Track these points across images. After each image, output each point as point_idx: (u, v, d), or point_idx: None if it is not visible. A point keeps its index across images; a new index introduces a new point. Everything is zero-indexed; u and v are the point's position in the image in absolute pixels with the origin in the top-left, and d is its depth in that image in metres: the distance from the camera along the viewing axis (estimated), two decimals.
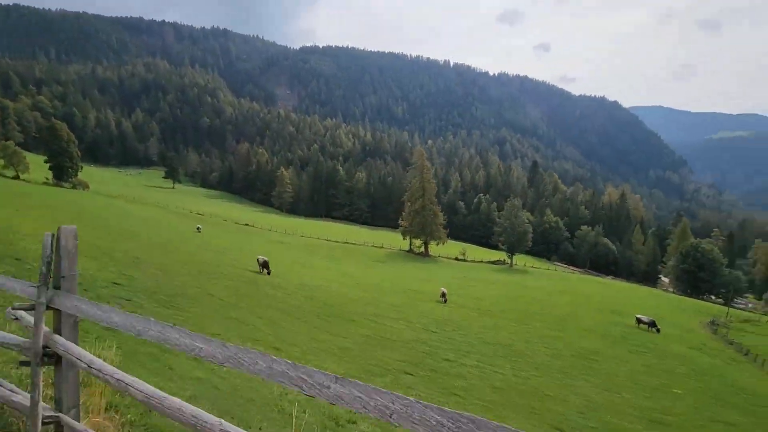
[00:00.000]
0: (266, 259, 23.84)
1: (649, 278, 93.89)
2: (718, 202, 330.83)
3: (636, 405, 13.84)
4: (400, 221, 70.11)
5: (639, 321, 27.57)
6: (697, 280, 69.31)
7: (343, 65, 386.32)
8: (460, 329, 18.94)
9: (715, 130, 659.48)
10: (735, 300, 70.86)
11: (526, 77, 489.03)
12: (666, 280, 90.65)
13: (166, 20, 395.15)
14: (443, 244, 68.79)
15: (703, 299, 67.54)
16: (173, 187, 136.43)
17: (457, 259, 69.99)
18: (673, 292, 71.63)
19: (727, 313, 47.86)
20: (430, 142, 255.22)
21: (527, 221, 71.81)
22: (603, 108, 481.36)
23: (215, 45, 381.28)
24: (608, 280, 71.23)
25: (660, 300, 48.67)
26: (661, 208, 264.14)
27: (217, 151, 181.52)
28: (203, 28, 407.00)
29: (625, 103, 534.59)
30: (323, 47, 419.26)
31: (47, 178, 76.16)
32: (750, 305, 71.77)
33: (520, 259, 74.35)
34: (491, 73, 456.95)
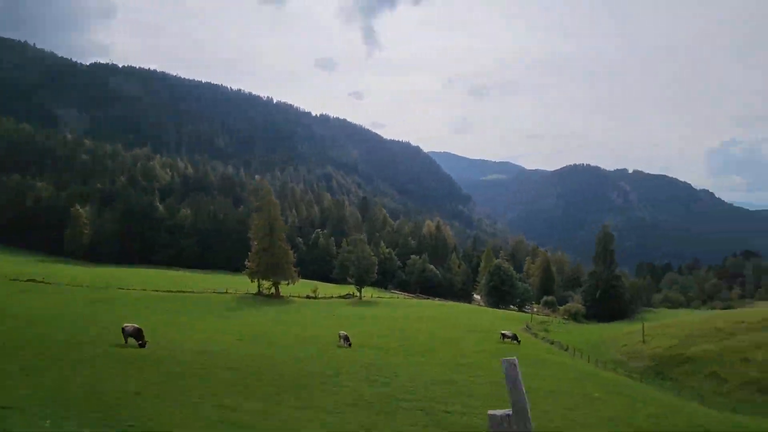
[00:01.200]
0: (136, 326, 18.66)
1: (465, 296, 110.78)
2: (494, 229, 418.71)
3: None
4: (246, 262, 65.00)
5: (504, 336, 32.52)
6: (502, 293, 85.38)
7: (152, 90, 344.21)
8: (415, 378, 17.62)
9: (485, 173, 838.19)
10: (525, 307, 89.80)
11: (345, 120, 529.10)
12: (477, 296, 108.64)
13: None
14: (294, 283, 66.71)
15: (507, 309, 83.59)
16: None
17: (308, 297, 68.70)
18: (486, 306, 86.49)
19: (531, 318, 60.30)
20: (258, 177, 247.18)
21: (372, 254, 76.28)
22: (409, 151, 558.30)
23: None
24: (441, 302, 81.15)
25: (488, 314, 58.05)
26: (459, 235, 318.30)
27: None
28: None
29: (425, 149, 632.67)
30: (124, 67, 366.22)
31: None
32: (535, 310, 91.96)
33: (365, 291, 77.97)
34: (314, 114, 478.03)
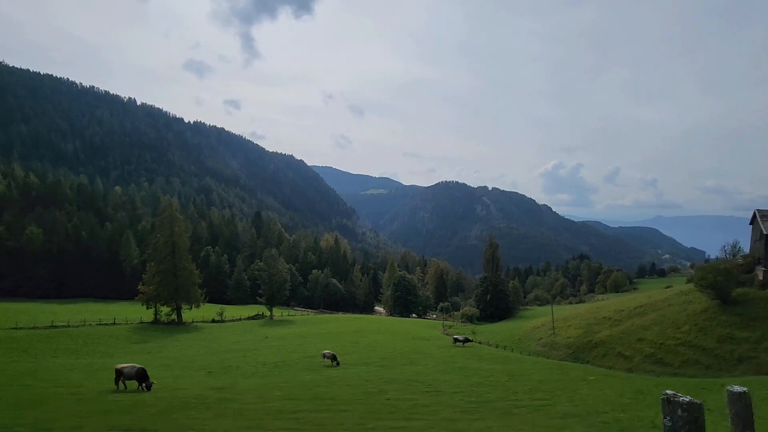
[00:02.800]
0: (137, 366, 15.14)
1: (367, 308, 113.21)
2: (378, 242, 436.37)
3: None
4: (140, 286, 56.44)
5: (456, 340, 34.71)
6: (407, 303, 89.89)
7: None
8: (460, 384, 17.40)
9: (366, 187, 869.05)
10: (427, 314, 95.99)
11: (222, 129, 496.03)
12: (379, 308, 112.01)
13: None
14: (199, 307, 60.19)
15: (410, 317, 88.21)
16: None
17: (214, 321, 62.66)
18: (392, 316, 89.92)
19: (442, 324, 65.13)
20: (118, 187, 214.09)
21: (284, 271, 73.41)
22: (292, 164, 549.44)
23: None
24: (354, 315, 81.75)
25: (406, 323, 60.84)
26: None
27: None
28: None
29: (308, 162, 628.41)
30: None
31: None
32: (434, 316, 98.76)
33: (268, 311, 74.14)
34: (186, 120, 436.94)
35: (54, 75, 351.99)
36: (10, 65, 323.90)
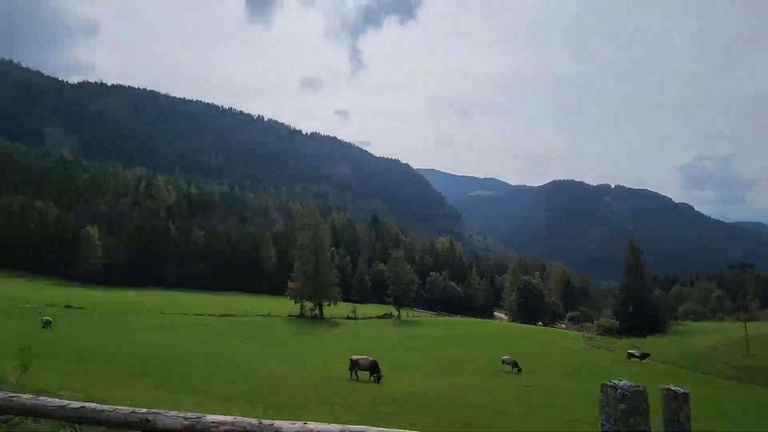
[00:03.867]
0: (370, 359, 17.12)
1: (486, 313, 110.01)
2: (486, 245, 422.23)
3: None
4: (289, 283, 63.06)
5: (630, 355, 32.02)
6: (532, 310, 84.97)
7: (140, 108, 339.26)
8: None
9: (471, 189, 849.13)
10: (557, 323, 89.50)
11: (335, 138, 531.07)
12: (500, 314, 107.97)
13: None
14: (336, 304, 65.00)
15: (537, 325, 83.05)
16: None
17: (349, 318, 66.89)
18: (515, 322, 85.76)
19: (584, 335, 59.88)
20: (252, 194, 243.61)
21: (411, 272, 75.14)
22: (398, 168, 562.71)
23: None
24: (480, 320, 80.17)
25: (541, 332, 57.36)
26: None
27: None
28: None
29: (413, 166, 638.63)
30: (113, 85, 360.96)
31: None
32: (563, 325, 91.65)
33: (395, 311, 76.33)
34: (304, 132, 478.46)
35: (203, 101, 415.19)
36: (172, 96, 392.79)
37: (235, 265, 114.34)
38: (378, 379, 17.28)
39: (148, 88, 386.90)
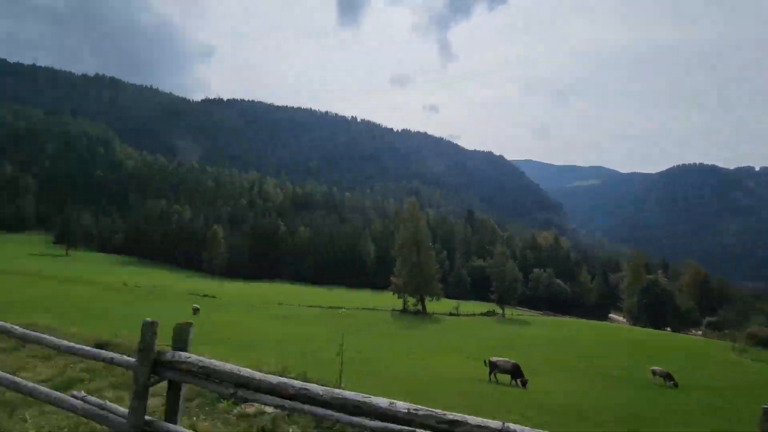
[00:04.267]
0: (513, 362, 16.84)
1: (597, 313, 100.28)
2: (592, 239, 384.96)
3: None
4: (392, 278, 64.34)
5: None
6: (659, 312, 75.02)
7: (251, 118, 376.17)
8: None
9: (572, 179, 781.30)
10: (691, 330, 77.97)
11: (426, 133, 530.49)
12: (616, 315, 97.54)
13: (39, 64, 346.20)
14: (439, 299, 64.58)
15: (665, 330, 73.04)
16: (67, 254, 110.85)
17: (451, 314, 65.99)
18: (639, 326, 76.48)
19: (733, 347, 51.03)
20: (348, 194, 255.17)
21: (517, 268, 71.56)
22: (491, 161, 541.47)
23: (103, 94, 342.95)
24: (594, 321, 73.47)
25: (679, 338, 50.25)
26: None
27: (116, 209, 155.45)
28: (85, 75, 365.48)
29: (507, 157, 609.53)
30: (228, 100, 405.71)
31: None
32: (699, 332, 79.46)
33: (496, 308, 73.15)
34: (395, 129, 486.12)
35: (302, 107, 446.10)
36: (276, 104, 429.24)
37: (336, 261, 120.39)
38: (524, 384, 16.32)
39: (255, 100, 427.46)
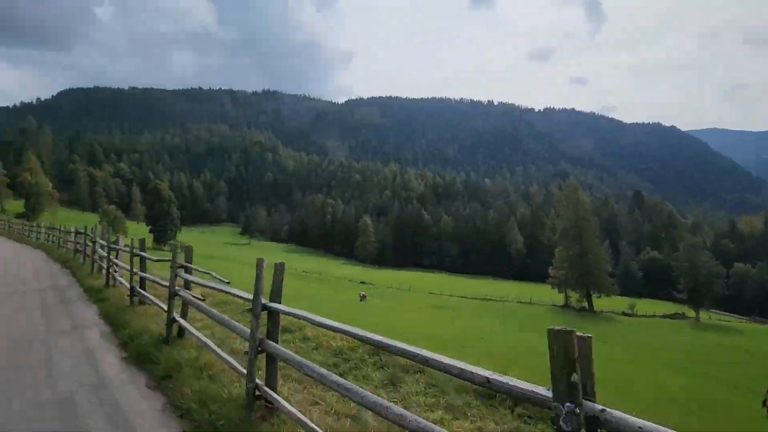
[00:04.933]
0: None
1: None
2: None
3: None
4: (550, 270, 58.57)
5: None
6: None
7: (389, 113, 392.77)
8: None
9: None
10: None
11: (572, 110, 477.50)
12: None
13: (222, 88, 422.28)
14: (609, 296, 56.26)
15: None
16: (249, 243, 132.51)
17: (624, 314, 56.83)
18: None
19: None
20: (488, 180, 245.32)
21: (715, 262, 58.02)
22: (658, 133, 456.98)
23: (267, 106, 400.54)
24: None
25: None
26: None
27: (284, 205, 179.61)
28: (255, 92, 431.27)
29: (682, 127, 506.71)
30: (368, 98, 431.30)
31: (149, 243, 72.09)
32: None
33: (685, 309, 59.96)
34: (536, 109, 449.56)
35: (436, 97, 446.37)
36: (410, 97, 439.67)
37: (481, 250, 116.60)
38: None
39: (392, 95, 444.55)
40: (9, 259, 17.63)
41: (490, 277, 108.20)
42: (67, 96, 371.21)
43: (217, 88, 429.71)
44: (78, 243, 16.71)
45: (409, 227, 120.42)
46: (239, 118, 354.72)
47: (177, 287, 6.49)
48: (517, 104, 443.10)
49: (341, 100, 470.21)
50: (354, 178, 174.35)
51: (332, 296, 38.14)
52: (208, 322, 6.90)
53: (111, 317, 7.89)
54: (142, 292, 8.51)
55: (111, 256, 11.03)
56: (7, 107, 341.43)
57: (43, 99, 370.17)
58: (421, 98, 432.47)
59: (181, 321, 6.30)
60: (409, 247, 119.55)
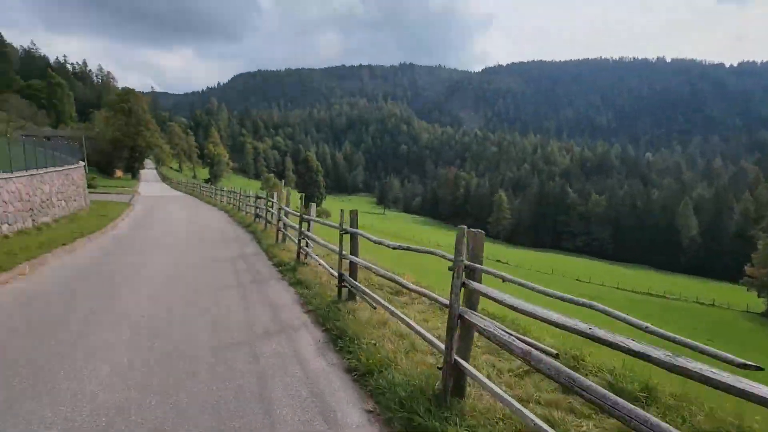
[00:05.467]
0: None
1: None
2: None
3: None
4: (746, 268, 46.22)
5: None
6: None
7: (530, 80, 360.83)
8: None
9: None
10: None
11: None
12: None
13: (362, 64, 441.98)
14: None
15: None
16: (384, 213, 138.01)
17: None
18: None
19: None
20: (648, 154, 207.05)
21: None
22: None
23: (403, 79, 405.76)
24: None
25: None
26: None
27: (417, 176, 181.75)
28: (392, 66, 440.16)
29: None
30: (507, 65, 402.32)
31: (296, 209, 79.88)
32: None
33: None
34: (727, 64, 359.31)
35: (589, 58, 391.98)
36: (556, 60, 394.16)
37: (640, 235, 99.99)
38: None
39: (536, 59, 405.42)
40: (204, 219, 19.80)
41: (648, 267, 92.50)
42: (239, 79, 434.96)
43: (358, 64, 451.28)
44: (258, 208, 16.63)
45: (551, 205, 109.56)
46: (377, 91, 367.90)
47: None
48: (697, 59, 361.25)
49: (477, 68, 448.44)
50: (489, 150, 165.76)
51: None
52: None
53: (322, 317, 5.95)
54: (356, 284, 6.36)
55: (303, 229, 9.40)
56: (198, 91, 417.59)
57: (221, 83, 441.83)
58: (569, 60, 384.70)
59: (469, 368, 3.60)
60: (548, 227, 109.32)
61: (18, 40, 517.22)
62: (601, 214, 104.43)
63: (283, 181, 56.34)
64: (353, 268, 6.60)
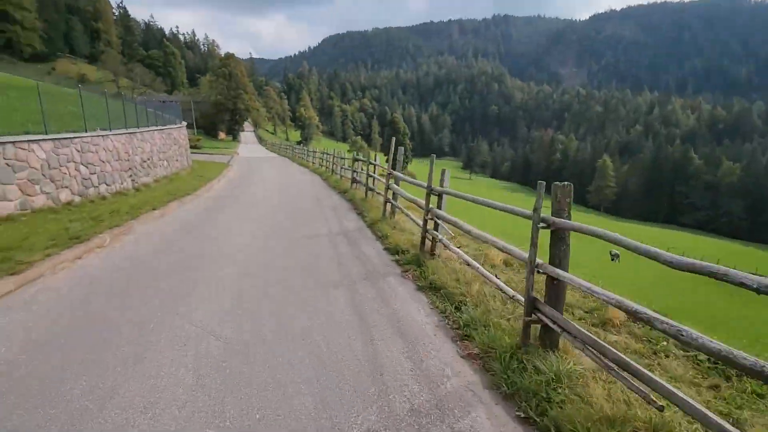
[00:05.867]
0: None
1: None
2: None
3: None
4: None
5: None
6: None
7: (649, 26, 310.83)
8: None
9: None
10: None
11: None
12: None
13: (452, 19, 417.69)
14: None
15: None
16: (470, 179, 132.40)
17: None
18: None
19: None
20: None
21: None
22: None
23: (496, 33, 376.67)
24: None
25: None
26: None
27: (507, 139, 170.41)
28: (485, 19, 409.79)
29: None
30: (622, 9, 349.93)
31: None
32: None
33: None
34: None
35: None
36: (684, 0, 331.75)
37: None
38: None
39: (657, 1, 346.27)
40: (298, 183, 19.12)
41: None
42: (328, 42, 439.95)
43: (447, 20, 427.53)
44: (355, 171, 14.86)
45: (668, 172, 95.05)
46: (467, 47, 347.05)
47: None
48: None
49: (584, 16, 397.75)
50: (593, 110, 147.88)
51: (574, 251, 32.12)
52: None
53: (506, 382, 3.13)
54: (575, 328, 3.10)
55: (432, 206, 6.31)
56: (291, 56, 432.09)
57: (311, 47, 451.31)
58: (700, 1, 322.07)
59: None
60: (663, 198, 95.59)
61: (140, 14, 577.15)
62: (733, 185, 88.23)
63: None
64: (556, 292, 3.39)
